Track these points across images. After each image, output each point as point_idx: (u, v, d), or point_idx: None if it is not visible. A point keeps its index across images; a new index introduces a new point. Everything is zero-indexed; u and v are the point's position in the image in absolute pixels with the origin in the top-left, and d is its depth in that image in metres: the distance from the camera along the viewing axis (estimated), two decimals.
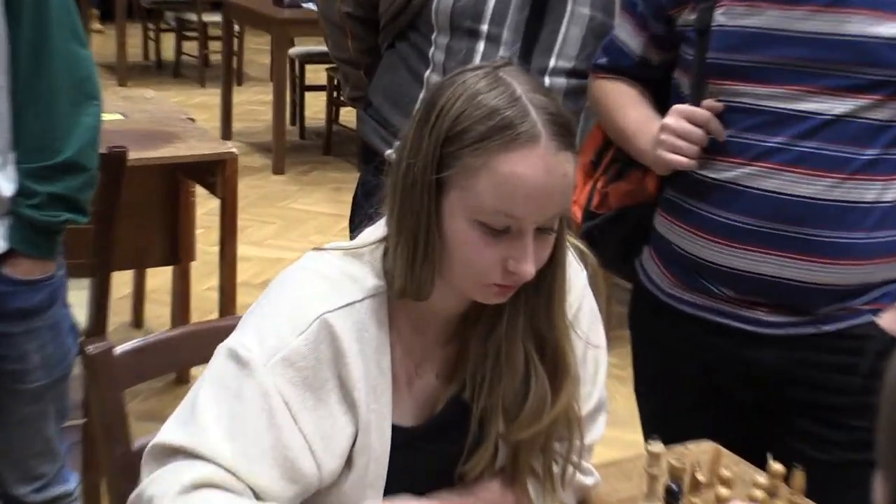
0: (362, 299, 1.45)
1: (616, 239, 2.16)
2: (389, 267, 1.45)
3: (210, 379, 1.41)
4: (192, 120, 3.89)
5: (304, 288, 1.45)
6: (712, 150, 1.97)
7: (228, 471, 1.34)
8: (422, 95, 2.39)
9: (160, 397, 3.84)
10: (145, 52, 9.72)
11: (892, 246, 1.94)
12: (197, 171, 3.58)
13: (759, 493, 1.65)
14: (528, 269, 1.39)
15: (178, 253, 3.62)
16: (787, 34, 1.90)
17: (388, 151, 2.46)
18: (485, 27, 2.37)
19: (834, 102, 1.89)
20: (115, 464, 1.73)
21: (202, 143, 3.62)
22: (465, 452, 1.54)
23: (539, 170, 1.35)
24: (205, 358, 1.90)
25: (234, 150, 3.63)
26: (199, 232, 3.75)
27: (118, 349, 1.74)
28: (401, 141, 1.46)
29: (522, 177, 1.35)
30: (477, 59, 2.33)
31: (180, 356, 1.90)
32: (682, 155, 1.96)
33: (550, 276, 1.49)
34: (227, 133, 7.07)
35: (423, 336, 1.54)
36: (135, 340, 1.81)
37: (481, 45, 2.38)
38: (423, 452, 1.54)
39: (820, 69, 1.89)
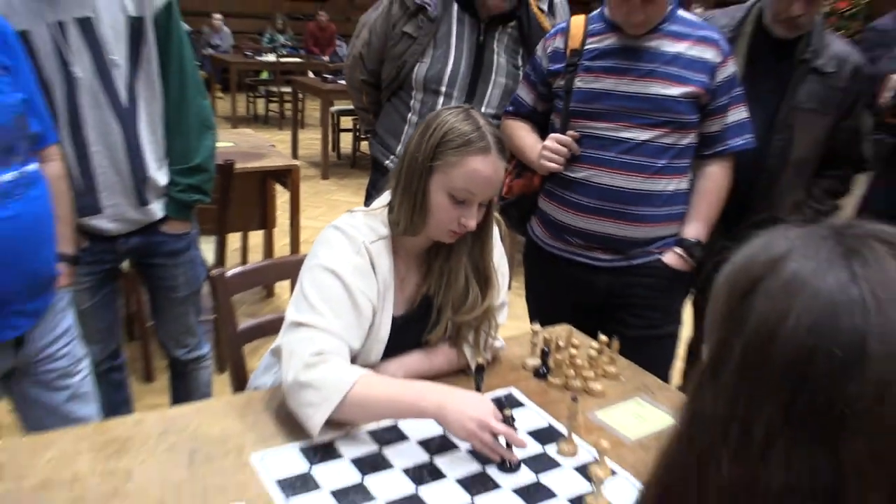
0: (378, 239, 1.50)
1: (517, 212, 2.19)
2: (394, 218, 1.50)
3: (313, 285, 1.44)
4: (274, 146, 3.88)
5: (348, 231, 1.48)
6: (572, 160, 2.00)
7: (339, 337, 1.41)
8: (406, 129, 2.44)
9: (256, 305, 3.85)
10: (247, 109, 9.63)
11: (670, 217, 2.02)
12: (277, 175, 3.59)
13: (593, 352, 1.69)
14: (472, 224, 1.47)
15: (266, 223, 3.64)
16: (617, 93, 1.95)
17: (387, 162, 2.50)
18: (443, 88, 2.39)
19: (641, 132, 1.94)
20: (228, 339, 1.79)
21: (280, 159, 3.62)
22: (428, 328, 1.59)
23: (490, 168, 1.44)
24: (282, 277, 1.96)
25: (298, 163, 3.64)
26: (278, 213, 3.76)
27: (229, 273, 1.80)
28: (404, 146, 1.51)
29: (481, 171, 1.43)
30: (439, 107, 2.32)
31: (266, 277, 1.95)
32: (554, 163, 1.99)
33: (484, 231, 1.55)
34: (294, 155, 7.03)
35: (409, 261, 1.57)
36: (238, 268, 1.85)
37: (441, 99, 2.40)
38: (405, 328, 1.57)
39: (634, 113, 1.94)
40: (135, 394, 2.51)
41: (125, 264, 2.34)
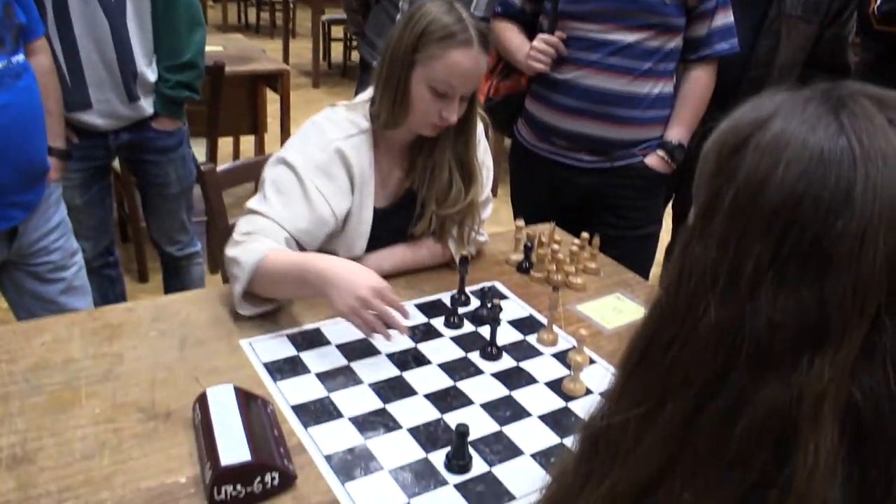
0: (358, 133, 1.46)
1: (504, 113, 2.14)
2: (375, 111, 1.45)
3: (270, 176, 1.42)
4: (265, 52, 3.77)
5: (324, 126, 1.45)
6: (559, 61, 1.95)
7: (280, 224, 1.37)
8: (399, 17, 2.35)
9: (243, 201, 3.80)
10: (238, 18, 9.33)
11: (655, 119, 1.99)
12: (268, 80, 3.49)
13: (574, 248, 1.68)
14: (453, 118, 1.42)
15: (257, 128, 3.55)
16: None
17: (375, 63, 2.41)
18: None
19: (628, 34, 1.88)
20: (220, 233, 1.75)
21: (270, 64, 3.52)
22: (413, 222, 1.56)
23: (471, 61, 1.39)
24: None
25: (288, 68, 3.53)
26: (269, 119, 3.67)
27: (219, 168, 1.75)
28: (388, 40, 1.44)
29: (462, 64, 1.38)
30: None
31: (255, 172, 1.91)
32: (541, 63, 1.94)
33: (467, 125, 1.50)
34: (285, 62, 6.84)
35: (392, 156, 1.53)
36: (228, 163, 1.81)
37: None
38: (389, 222, 1.54)
39: (622, 15, 1.87)
40: (129, 293, 2.50)
41: (116, 163, 2.30)
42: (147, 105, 2.05)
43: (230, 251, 1.34)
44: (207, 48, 2.95)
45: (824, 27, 2.16)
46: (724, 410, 0.48)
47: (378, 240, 1.54)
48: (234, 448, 0.97)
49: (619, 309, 1.54)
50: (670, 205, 2.50)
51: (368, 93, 1.50)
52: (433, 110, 1.41)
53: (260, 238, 1.34)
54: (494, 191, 1.68)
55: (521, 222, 1.73)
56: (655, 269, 2.63)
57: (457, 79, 1.38)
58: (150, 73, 2.02)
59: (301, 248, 1.40)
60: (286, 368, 1.24)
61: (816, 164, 0.46)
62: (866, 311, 0.44)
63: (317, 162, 1.41)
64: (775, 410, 0.46)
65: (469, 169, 1.54)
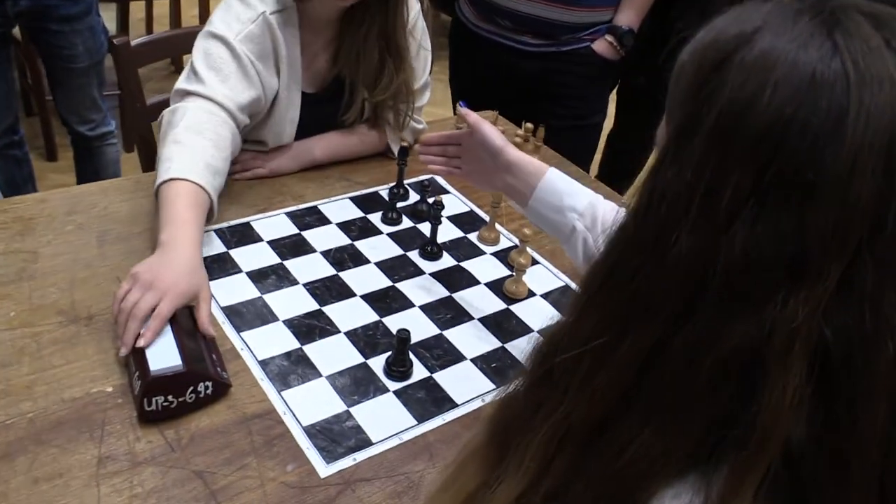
0: (282, 9, 1.35)
1: None
2: None
3: (200, 53, 1.32)
4: None
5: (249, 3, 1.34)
6: None
7: (221, 104, 1.28)
8: None
9: (163, 82, 3.60)
10: None
11: (605, 2, 1.93)
12: None
13: (518, 140, 1.63)
14: None
15: None
16: None
17: None
18: None
19: None
20: (137, 114, 1.65)
21: None
22: (342, 109, 1.49)
23: None
24: (187, 49, 1.79)
25: None
26: None
27: (134, 42, 1.63)
28: None
29: None
30: None
31: (175, 47, 1.80)
32: None
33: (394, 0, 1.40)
34: None
35: (316, 37, 1.44)
36: (144, 37, 1.68)
37: None
38: (318, 109, 1.47)
39: None
40: (37, 172, 2.37)
41: (16, 31, 2.12)
42: None
43: (165, 149, 1.21)
44: None
45: None
46: (688, 345, 0.47)
47: (307, 128, 1.48)
48: (163, 356, 0.95)
49: None
50: (615, 92, 2.48)
51: None
52: None
53: (195, 141, 1.22)
54: (429, 63, 1.61)
55: (464, 109, 1.68)
56: (597, 157, 2.64)
57: None
58: None
59: (240, 130, 1.33)
60: (215, 267, 1.21)
61: (807, 87, 0.44)
62: (847, 246, 0.43)
63: (248, 34, 1.32)
64: (743, 347, 0.45)
65: (398, 47, 1.45)
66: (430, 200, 1.34)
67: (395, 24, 1.42)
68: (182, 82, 1.31)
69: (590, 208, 1.04)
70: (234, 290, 1.17)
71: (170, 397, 0.94)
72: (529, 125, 1.66)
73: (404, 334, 1.04)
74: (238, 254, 1.25)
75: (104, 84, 2.21)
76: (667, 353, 0.48)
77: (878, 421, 0.44)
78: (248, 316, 1.13)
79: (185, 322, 1.03)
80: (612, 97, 2.46)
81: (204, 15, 3.41)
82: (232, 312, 1.13)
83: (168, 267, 1.05)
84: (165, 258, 1.07)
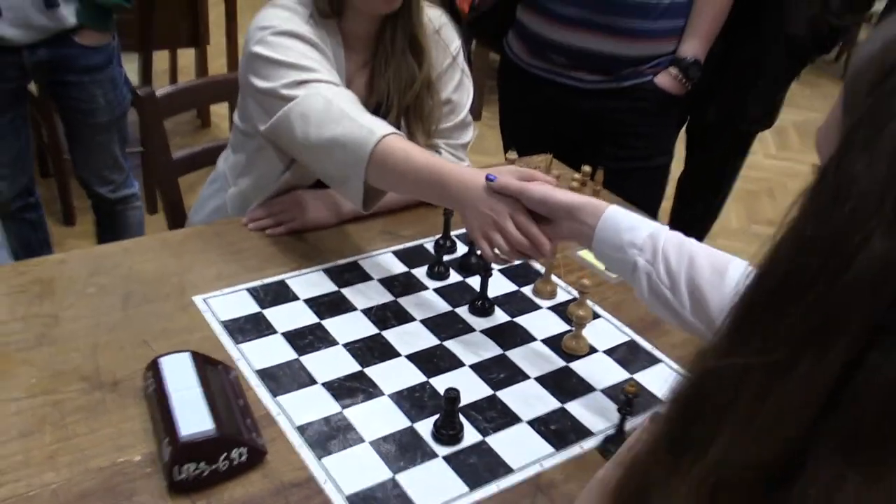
0: (326, 18, 1.50)
1: (491, 24, 2.14)
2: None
3: (271, 51, 1.40)
4: None
5: (289, 5, 1.48)
6: None
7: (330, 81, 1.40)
8: None
9: (190, 136, 3.77)
10: None
11: (667, 32, 2.00)
12: None
13: (575, 184, 1.69)
14: None
15: (198, 39, 3.50)
16: None
17: None
18: None
19: None
20: (162, 169, 1.76)
21: None
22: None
23: None
24: (219, 98, 1.89)
25: None
26: (212, 29, 3.61)
27: (159, 92, 1.74)
28: None
29: None
30: None
31: (202, 97, 1.90)
32: None
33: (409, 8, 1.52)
34: None
35: (355, 55, 1.56)
36: (169, 86, 1.79)
37: None
38: None
39: None
40: (54, 238, 2.50)
41: (33, 86, 2.26)
42: (68, 14, 2.02)
43: (328, 132, 1.30)
44: None
45: None
46: (890, 369, 0.44)
47: None
48: (194, 420, 1.00)
49: None
50: (683, 130, 2.53)
51: None
52: None
53: (334, 91, 1.36)
54: (479, 114, 1.69)
55: (513, 154, 1.74)
56: (666, 204, 2.67)
57: None
58: None
59: None
60: (248, 328, 1.27)
61: None
62: None
63: (307, 29, 1.43)
64: None
65: (419, 42, 1.55)
66: (479, 252, 1.39)
67: (417, 22, 1.53)
68: (263, 82, 1.39)
69: (650, 240, 1.07)
70: (269, 352, 1.22)
71: (201, 465, 0.98)
72: (587, 168, 1.72)
73: (453, 394, 1.07)
74: (272, 314, 1.31)
75: (126, 141, 2.34)
76: (860, 377, 0.45)
77: None
78: (284, 379, 1.17)
79: (216, 384, 1.08)
80: (681, 136, 2.51)
81: (232, 64, 3.58)
82: (266, 376, 1.18)
83: (491, 204, 1.18)
84: (480, 198, 1.19)
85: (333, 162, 1.31)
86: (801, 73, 2.43)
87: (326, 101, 1.33)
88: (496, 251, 1.21)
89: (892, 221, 0.44)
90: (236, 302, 1.33)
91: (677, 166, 2.53)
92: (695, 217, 2.69)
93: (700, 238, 2.68)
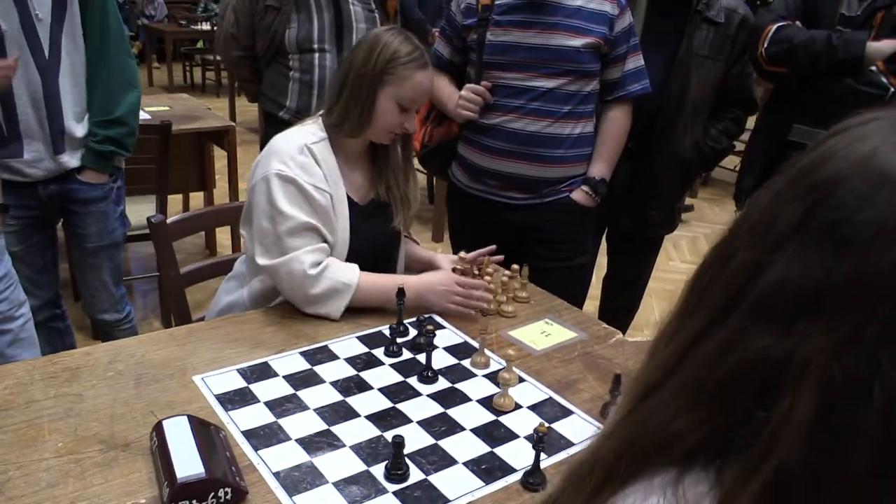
0: (321, 139, 1.69)
1: (438, 158, 2.29)
2: (335, 121, 1.68)
3: (277, 201, 1.60)
4: (210, 109, 3.89)
5: (289, 138, 1.67)
6: (486, 108, 2.11)
7: (318, 232, 1.65)
8: (291, 85, 2.61)
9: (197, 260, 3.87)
10: (184, 78, 9.45)
11: (577, 158, 2.15)
12: (214, 137, 3.62)
13: (505, 279, 1.81)
14: (413, 127, 1.74)
15: (205, 184, 3.67)
16: (524, 45, 2.06)
17: (281, 114, 2.63)
18: (315, 45, 2.57)
19: (547, 81, 2.05)
20: (171, 283, 1.85)
21: (216, 121, 3.64)
22: (392, 217, 1.82)
23: (429, 79, 1.71)
24: (222, 222, 2.01)
25: (234, 125, 3.65)
26: (217, 176, 3.78)
27: (170, 220, 1.84)
28: (346, 62, 1.69)
29: (424, 83, 1.68)
30: (316, 63, 2.57)
31: (207, 222, 2.02)
32: (470, 111, 2.10)
33: (408, 135, 1.79)
34: (232, 119, 6.97)
35: (350, 163, 1.75)
36: (178, 215, 1.90)
37: (316, 55, 2.57)
38: (369, 219, 1.77)
39: (541, 63, 2.04)
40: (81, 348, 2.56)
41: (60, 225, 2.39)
42: (71, 159, 2.17)
43: (316, 288, 1.60)
44: (155, 108, 3.08)
45: (730, 65, 2.36)
46: (721, 342, 0.52)
47: (365, 234, 1.74)
48: (188, 466, 1.08)
49: (547, 332, 1.68)
50: (605, 238, 2.66)
51: (310, 119, 1.74)
52: (396, 122, 1.67)
53: (332, 264, 1.63)
54: (441, 236, 1.90)
55: (464, 254, 1.86)
56: (593, 302, 2.78)
57: (420, 95, 1.68)
58: (80, 129, 2.14)
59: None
60: (237, 399, 1.35)
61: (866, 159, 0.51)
62: (864, 300, 0.47)
63: (298, 162, 1.62)
64: (765, 360, 0.49)
65: (409, 170, 1.83)
66: (425, 330, 1.49)
67: (406, 150, 1.81)
68: (271, 225, 1.60)
69: None
70: (253, 417, 1.30)
71: (194, 502, 1.05)
72: (515, 266, 1.84)
73: (398, 439, 1.15)
74: (257, 388, 1.39)
75: (118, 271, 2.41)
76: (703, 344, 0.53)
77: (860, 466, 0.46)
78: (265, 437, 1.25)
79: (208, 440, 1.16)
80: (604, 243, 2.65)
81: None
82: (250, 435, 1.25)
83: (435, 285, 1.69)
84: (429, 287, 1.68)
85: (318, 305, 1.63)
86: (704, 189, 2.56)
87: (305, 267, 1.59)
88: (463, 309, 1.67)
89: (752, 240, 0.53)
90: (228, 379, 1.41)
91: (603, 269, 2.66)
92: (620, 309, 2.79)
93: (625, 327, 2.80)
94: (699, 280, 0.57)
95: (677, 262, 4.48)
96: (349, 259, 1.69)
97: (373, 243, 1.77)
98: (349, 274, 1.63)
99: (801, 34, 2.21)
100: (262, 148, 2.65)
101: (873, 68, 2.15)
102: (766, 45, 2.27)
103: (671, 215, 2.53)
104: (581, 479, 0.58)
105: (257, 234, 1.63)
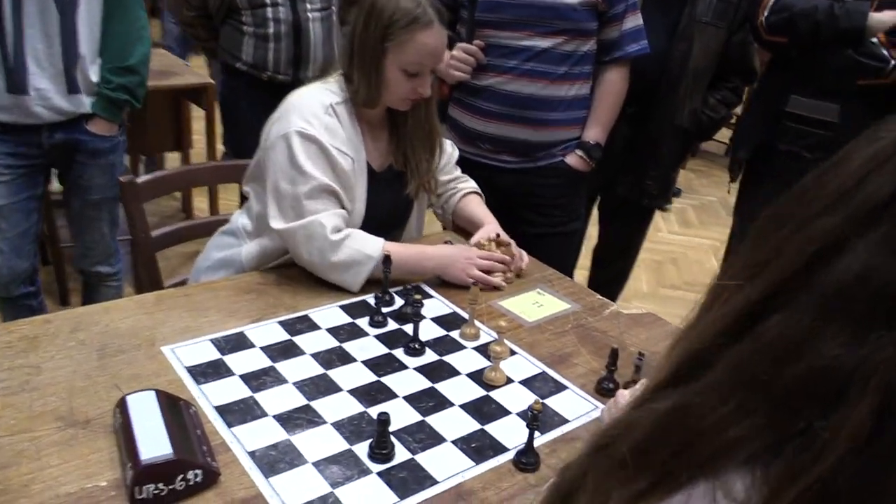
0: (344, 101, 1.58)
1: None
2: (354, 89, 1.57)
3: (299, 160, 1.50)
4: (188, 66, 3.75)
5: (312, 95, 1.57)
6: (478, 68, 2.02)
7: (336, 196, 1.55)
8: (246, 39, 2.52)
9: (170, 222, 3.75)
10: (162, 35, 9.17)
11: (572, 121, 2.07)
12: (192, 94, 3.47)
13: (484, 242, 1.71)
14: (427, 91, 1.59)
15: (181, 144, 3.53)
16: (519, 2, 1.96)
17: (238, 65, 2.57)
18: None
19: (542, 40, 1.96)
20: (141, 244, 1.75)
21: (194, 78, 3.50)
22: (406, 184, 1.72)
23: (436, 39, 1.53)
24: (197, 182, 1.90)
25: (213, 82, 3.51)
26: (195, 137, 3.64)
27: (139, 179, 1.74)
28: (349, 33, 1.56)
29: (429, 44, 1.52)
30: (269, 17, 2.48)
31: (181, 182, 1.92)
32: (461, 71, 2.01)
33: (428, 100, 1.65)
34: (211, 75, 6.77)
35: (371, 129, 1.65)
36: (149, 174, 1.80)
37: (269, 9, 2.48)
38: (387, 185, 1.68)
39: (536, 22, 1.96)
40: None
41: (54, 185, 2.28)
42: (86, 101, 2.09)
43: (338, 255, 1.51)
44: None
45: (732, 32, 2.27)
46: (788, 341, 0.46)
47: (380, 202, 1.66)
48: (154, 446, 0.98)
49: (539, 303, 1.60)
50: (597, 207, 2.58)
51: (332, 76, 1.62)
52: (407, 89, 1.55)
53: (355, 233, 1.54)
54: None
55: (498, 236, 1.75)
56: (586, 272, 2.71)
57: (426, 57, 1.52)
58: (93, 73, 2.07)
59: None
60: (209, 372, 1.25)
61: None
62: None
63: (323, 122, 1.52)
64: (837, 369, 0.44)
65: (432, 135, 1.70)
66: (412, 301, 1.40)
67: (428, 113, 1.67)
68: (290, 186, 1.50)
69: None
70: (227, 391, 1.21)
71: (160, 485, 0.96)
72: (493, 233, 1.74)
73: (384, 416, 1.07)
74: (231, 359, 1.29)
75: (116, 223, 2.33)
76: (769, 324, 0.47)
77: None
78: (239, 413, 1.16)
79: (177, 417, 1.07)
80: (595, 214, 2.57)
81: None
82: (224, 411, 1.16)
83: (455, 257, 1.61)
84: (449, 258, 1.61)
85: (338, 273, 1.53)
86: (692, 161, 2.50)
87: (326, 231, 1.50)
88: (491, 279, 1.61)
89: (840, 208, 0.46)
90: (200, 350, 1.31)
91: (593, 240, 2.58)
92: (609, 280, 2.73)
93: (615, 298, 2.74)
94: (763, 236, 0.50)
95: (665, 232, 4.42)
96: (362, 227, 1.60)
97: (387, 211, 1.70)
98: (373, 245, 1.54)
99: (802, 3, 2.13)
100: (221, 101, 2.54)
101: (874, 40, 2.07)
102: (766, 14, 2.18)
103: (666, 185, 2.45)
104: (616, 467, 0.51)
105: (273, 195, 1.53)
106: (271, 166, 1.53)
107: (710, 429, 0.47)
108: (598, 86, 2.07)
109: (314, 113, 1.52)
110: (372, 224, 1.62)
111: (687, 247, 4.25)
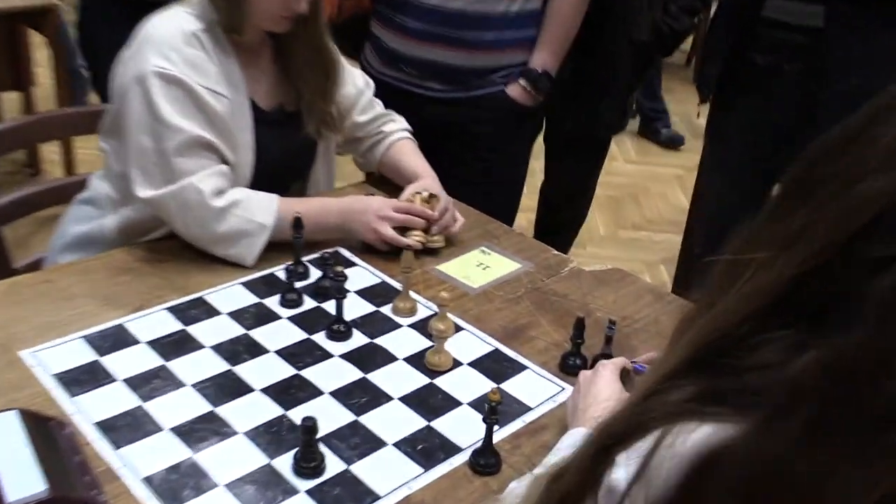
0: (208, 27, 1.51)
1: (351, 36, 2.14)
2: (214, 14, 1.51)
3: (160, 108, 1.43)
4: None
5: (166, 23, 1.48)
6: None
7: (215, 149, 1.50)
8: None
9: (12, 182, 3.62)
10: None
11: (514, 42, 2.03)
12: (32, 18, 3.31)
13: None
14: (304, 6, 1.51)
15: (21, 82, 3.38)
16: None
17: None
18: None
19: None
20: None
21: None
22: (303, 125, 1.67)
23: None
24: (50, 137, 1.82)
25: (58, 2, 3.34)
26: (39, 69, 3.48)
27: None
28: None
29: None
30: None
31: (28, 136, 1.83)
32: None
33: (314, 11, 1.56)
34: None
35: (249, 59, 1.59)
36: None
37: None
38: (279, 129, 1.64)
39: None
40: None
41: None
42: None
43: (223, 225, 1.46)
44: None
45: None
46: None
47: (270, 149, 1.61)
48: (23, 483, 0.94)
49: (484, 264, 1.59)
50: (541, 140, 2.58)
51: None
52: (277, 3, 1.48)
53: (244, 199, 1.49)
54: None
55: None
56: (530, 215, 2.71)
57: None
58: None
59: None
60: (85, 378, 1.20)
61: None
62: None
63: (185, 56, 1.45)
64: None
65: (326, 57, 1.64)
66: (332, 273, 1.37)
67: (317, 33, 1.60)
68: (151, 141, 1.44)
69: None
70: (109, 401, 1.16)
71: None
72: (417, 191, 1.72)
73: (310, 423, 1.04)
74: (111, 361, 1.25)
75: None
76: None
77: None
78: (127, 429, 1.12)
79: (49, 442, 1.02)
80: (538, 147, 2.57)
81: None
82: (107, 428, 1.12)
83: (363, 211, 1.57)
84: (355, 212, 1.57)
85: (226, 246, 1.50)
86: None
87: (204, 197, 1.45)
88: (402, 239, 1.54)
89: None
90: (70, 352, 1.26)
91: (536, 177, 2.58)
92: (562, 224, 2.75)
93: (567, 245, 2.77)
94: (802, 192, 0.51)
95: (621, 162, 4.46)
96: (253, 181, 1.56)
97: (282, 160, 1.65)
98: (266, 208, 1.50)
99: None
100: (81, 26, 2.42)
101: None
102: None
103: (622, 111, 2.47)
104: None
105: (134, 155, 1.46)
106: (126, 119, 1.46)
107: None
108: (550, 1, 2.03)
109: (172, 46, 1.45)
110: (265, 177, 1.57)
111: (648, 178, 4.31)
